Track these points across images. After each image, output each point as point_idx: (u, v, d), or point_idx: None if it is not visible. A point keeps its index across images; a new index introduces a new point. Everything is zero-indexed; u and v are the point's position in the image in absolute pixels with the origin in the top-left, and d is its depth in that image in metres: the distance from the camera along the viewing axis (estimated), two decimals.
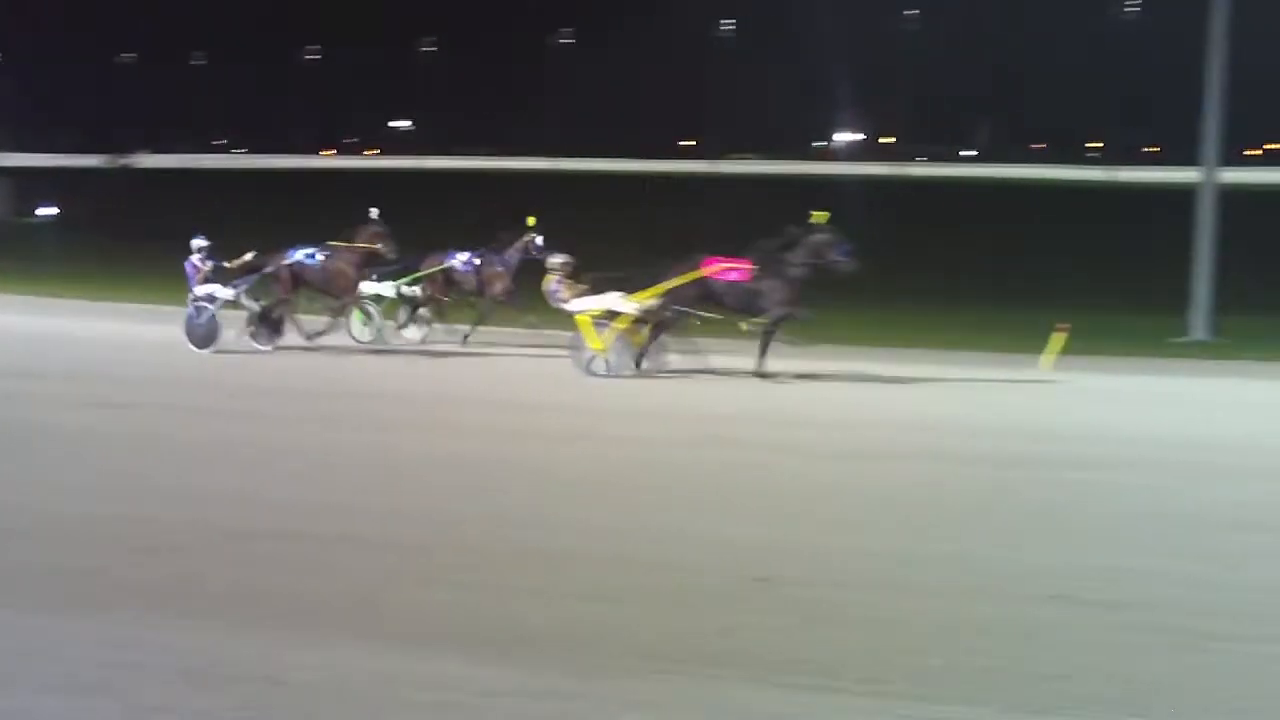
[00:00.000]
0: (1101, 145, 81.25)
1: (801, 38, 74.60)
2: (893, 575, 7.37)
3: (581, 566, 7.41)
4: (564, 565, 7.42)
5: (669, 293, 15.45)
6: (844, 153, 78.23)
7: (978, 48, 78.32)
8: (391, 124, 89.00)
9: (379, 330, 18.11)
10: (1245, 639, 6.37)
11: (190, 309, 17.31)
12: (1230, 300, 21.13)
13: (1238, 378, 16.84)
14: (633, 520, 8.53)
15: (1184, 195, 22.19)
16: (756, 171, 66.39)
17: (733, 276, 15.32)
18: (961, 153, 77.69)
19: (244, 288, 17.38)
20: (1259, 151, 70.66)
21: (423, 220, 23.21)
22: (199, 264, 17.30)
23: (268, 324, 17.48)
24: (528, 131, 74.58)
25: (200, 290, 17.22)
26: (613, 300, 15.58)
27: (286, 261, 17.42)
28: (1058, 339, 17.16)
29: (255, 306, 17.45)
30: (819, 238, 15.17)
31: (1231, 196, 22.93)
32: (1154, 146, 70.88)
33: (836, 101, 75.70)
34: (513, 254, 18.20)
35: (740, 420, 12.76)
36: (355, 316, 18.20)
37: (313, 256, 17.52)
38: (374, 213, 17.62)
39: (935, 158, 72.68)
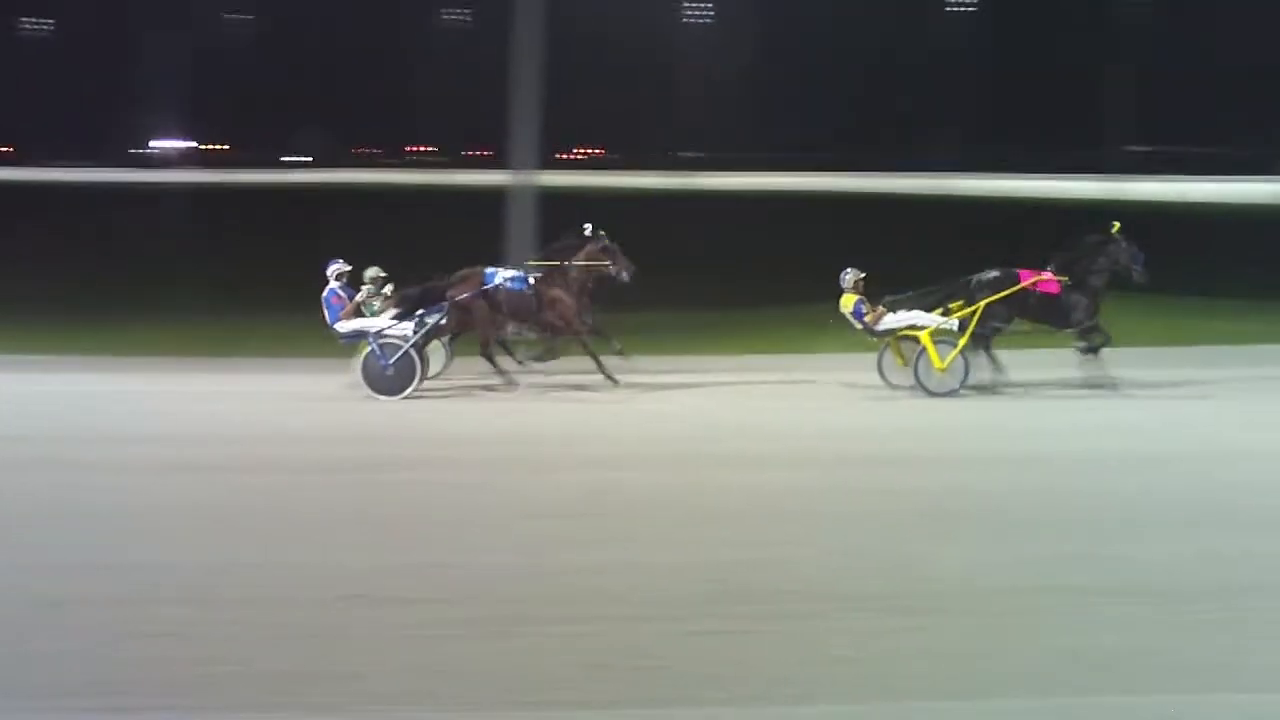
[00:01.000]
0: (436, 149, 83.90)
1: (121, 41, 70.61)
2: (199, 586, 7.63)
3: None
4: None
5: (989, 307, 14.72)
6: (168, 159, 74.93)
7: (308, 54, 77.98)
8: None
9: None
10: (549, 621, 7.05)
11: (374, 347, 14.17)
12: None
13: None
14: None
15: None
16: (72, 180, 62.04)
17: (1051, 289, 14.89)
18: (290, 159, 76.93)
19: (437, 319, 14.60)
20: (573, 156, 76.29)
21: None
22: (341, 292, 14.66)
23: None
24: None
25: (354, 325, 14.51)
26: (924, 318, 14.65)
27: (486, 287, 14.67)
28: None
29: (421, 343, 14.57)
30: (1118, 247, 15.04)
31: (548, 199, 23.44)
32: (488, 150, 73.99)
33: (159, 107, 72.47)
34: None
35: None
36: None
37: (520, 280, 14.82)
38: (589, 228, 15.15)
39: (262, 164, 71.33)
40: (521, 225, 21.43)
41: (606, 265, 15.05)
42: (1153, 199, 52.17)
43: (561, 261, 15.15)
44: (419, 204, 51.98)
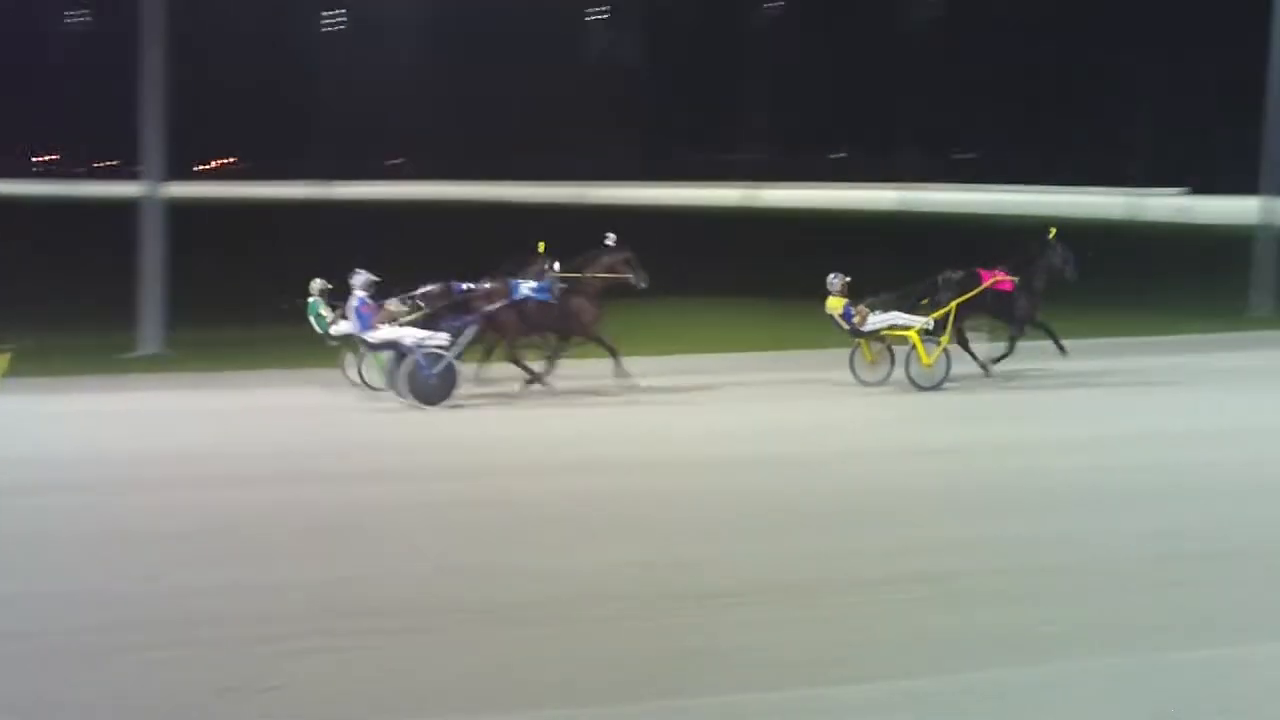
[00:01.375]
0: (55, 158, 79.12)
1: None
2: None
3: None
4: None
5: (960, 306, 16.00)
6: None
7: None
8: None
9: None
10: (154, 646, 6.92)
11: (418, 358, 14.46)
12: (183, 314, 21.01)
13: (189, 390, 16.88)
14: None
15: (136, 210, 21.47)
16: None
17: (1006, 288, 16.35)
18: None
19: (471, 330, 15.13)
20: (209, 166, 73.57)
21: None
22: (369, 301, 14.76)
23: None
24: None
25: (385, 335, 14.72)
26: (901, 318, 15.84)
27: (516, 298, 15.21)
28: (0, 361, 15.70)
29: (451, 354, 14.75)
30: (1055, 252, 16.76)
31: (182, 210, 22.77)
32: (114, 161, 70.52)
33: None
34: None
35: None
36: (373, 360, 15.38)
37: (545, 291, 15.18)
38: (611, 238, 15.90)
39: None
40: (152, 238, 20.74)
41: (628, 276, 15.88)
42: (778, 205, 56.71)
43: (583, 272, 15.69)
44: (41, 218, 48.53)
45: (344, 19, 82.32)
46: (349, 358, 16.11)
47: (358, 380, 15.90)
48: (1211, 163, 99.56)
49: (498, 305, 15.41)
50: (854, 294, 16.13)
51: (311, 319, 16.28)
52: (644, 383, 16.00)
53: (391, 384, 14.94)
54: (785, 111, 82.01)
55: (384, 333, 14.88)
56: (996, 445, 12.68)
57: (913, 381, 15.78)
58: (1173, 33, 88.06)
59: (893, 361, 16.21)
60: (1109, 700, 6.35)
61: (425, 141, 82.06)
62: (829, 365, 16.86)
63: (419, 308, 15.30)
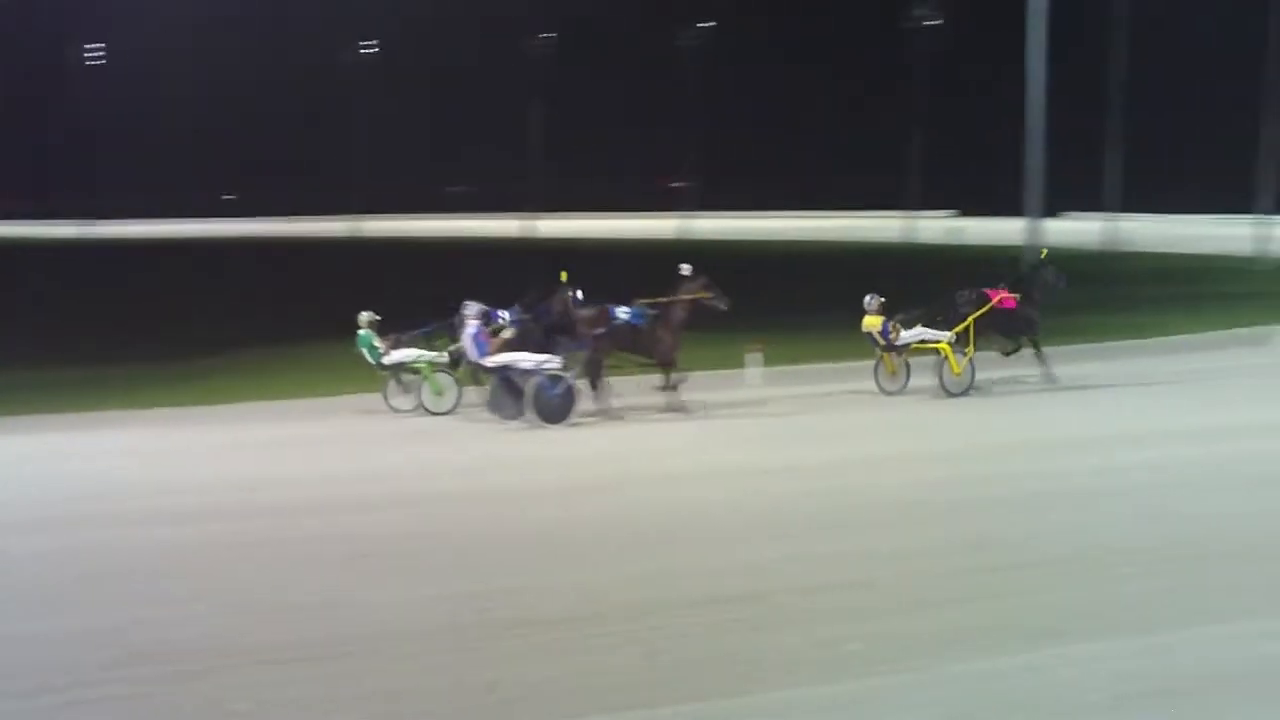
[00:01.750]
0: None
1: None
2: None
3: None
4: None
5: (976, 321, 17.66)
6: None
7: None
8: None
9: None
10: None
11: (541, 380, 15.30)
12: None
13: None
14: None
15: None
16: None
17: (1010, 305, 17.97)
18: None
19: (587, 352, 16.27)
20: None
21: None
22: (484, 328, 15.85)
23: (513, 393, 15.55)
24: None
25: (501, 359, 15.66)
26: (929, 333, 17.54)
27: (616, 322, 16.26)
28: None
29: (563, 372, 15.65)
30: (1049, 270, 18.81)
31: None
32: None
33: None
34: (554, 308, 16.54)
35: None
36: (430, 385, 16.72)
37: (640, 316, 16.43)
38: (686, 268, 16.82)
39: None
40: None
41: (712, 298, 16.89)
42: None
43: (668, 299, 16.81)
44: None
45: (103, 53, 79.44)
46: (392, 385, 17.02)
47: (407, 407, 16.89)
48: (981, 185, 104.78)
49: (602, 329, 16.33)
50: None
51: (364, 350, 16.99)
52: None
53: (493, 407, 15.99)
54: (561, 143, 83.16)
55: (501, 358, 15.69)
56: (823, 464, 13.00)
57: (944, 388, 17.38)
58: (947, 61, 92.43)
59: (908, 374, 17.85)
60: (897, 715, 6.55)
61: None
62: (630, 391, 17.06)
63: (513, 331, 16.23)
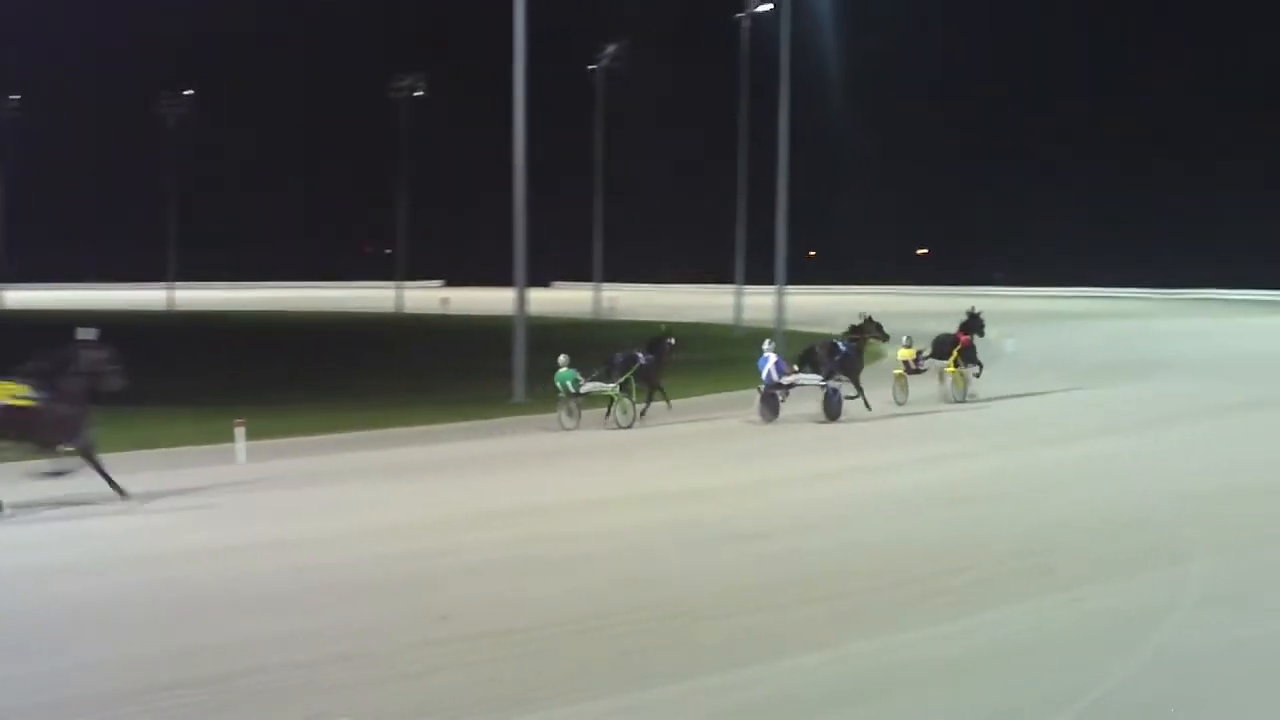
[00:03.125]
0: None
1: None
2: None
3: None
4: None
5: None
6: None
7: None
8: None
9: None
10: None
11: (829, 391, 22.14)
12: None
13: None
14: None
15: None
16: None
17: (968, 343, 25.67)
18: None
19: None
20: None
21: None
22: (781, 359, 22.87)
23: (771, 404, 22.25)
24: None
25: (790, 379, 22.46)
26: (937, 361, 25.46)
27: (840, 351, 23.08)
28: None
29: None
30: (978, 318, 26.07)
31: None
32: None
33: None
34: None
35: None
36: (620, 406, 22.36)
37: (847, 345, 23.28)
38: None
39: None
40: None
41: (879, 334, 24.55)
42: None
43: (860, 334, 23.80)
44: None
45: None
46: (569, 407, 22.06)
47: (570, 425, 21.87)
48: (464, 255, 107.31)
49: (839, 355, 22.92)
50: None
51: (566, 383, 22.19)
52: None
53: (764, 412, 22.25)
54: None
55: (792, 378, 22.43)
56: (292, 541, 12.62)
57: (953, 399, 24.59)
58: (437, 132, 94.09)
59: (906, 391, 24.51)
60: None
61: None
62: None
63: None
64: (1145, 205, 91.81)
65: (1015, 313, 46.61)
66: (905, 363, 24.95)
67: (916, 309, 50.73)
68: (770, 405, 22.20)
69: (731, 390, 27.29)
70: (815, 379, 22.49)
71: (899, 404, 23.94)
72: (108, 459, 18.14)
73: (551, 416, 22.23)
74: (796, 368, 22.82)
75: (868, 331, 24.08)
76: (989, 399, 24.62)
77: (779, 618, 9.34)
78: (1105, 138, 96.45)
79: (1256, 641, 8.67)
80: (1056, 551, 11.33)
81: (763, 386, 22.44)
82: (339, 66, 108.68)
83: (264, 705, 7.65)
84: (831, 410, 21.92)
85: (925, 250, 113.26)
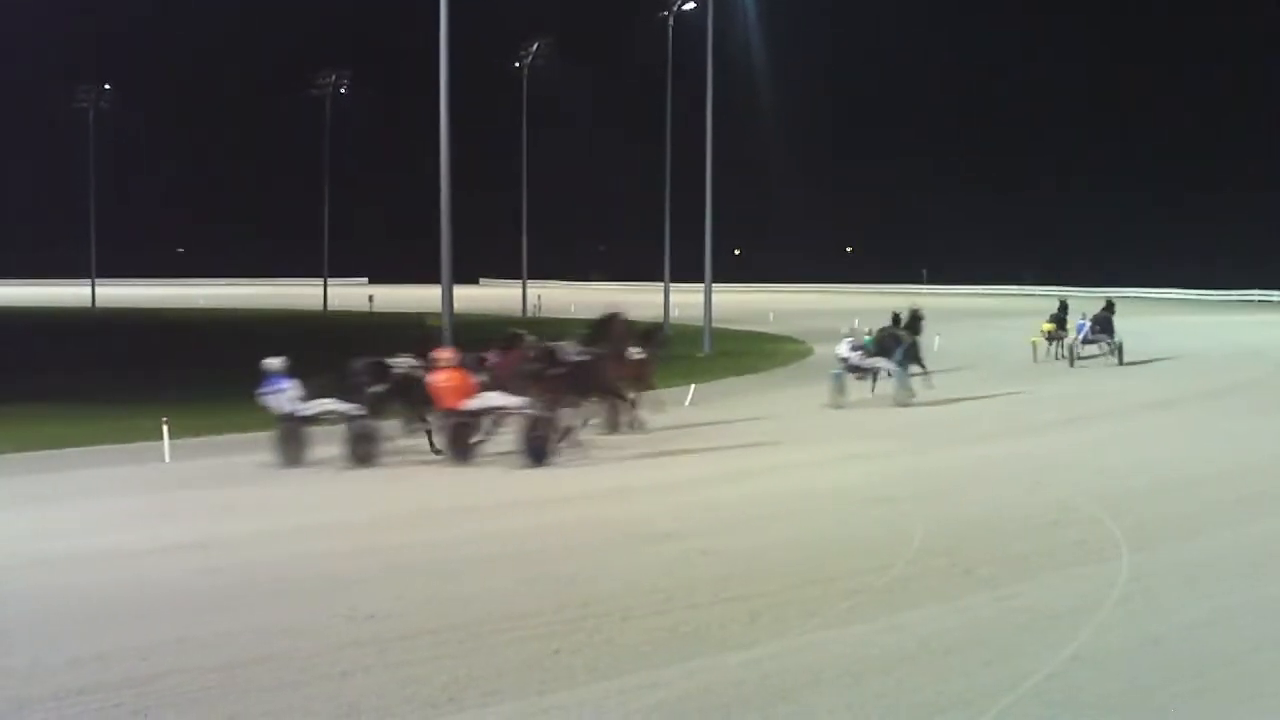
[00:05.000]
0: None
1: None
2: None
3: None
4: None
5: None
6: None
7: None
8: None
9: None
10: None
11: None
12: None
13: None
14: None
15: None
16: None
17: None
18: None
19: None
20: None
21: None
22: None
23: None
24: None
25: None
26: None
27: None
28: None
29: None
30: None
31: None
32: None
33: None
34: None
35: None
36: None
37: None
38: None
39: None
40: None
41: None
42: None
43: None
44: None
45: None
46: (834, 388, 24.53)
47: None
48: (389, 253, 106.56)
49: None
50: None
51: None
52: None
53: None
54: None
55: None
56: (228, 540, 12.42)
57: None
58: (362, 131, 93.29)
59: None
60: None
61: None
62: None
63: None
64: (1078, 206, 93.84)
65: (941, 310, 47.10)
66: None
67: (845, 306, 51.12)
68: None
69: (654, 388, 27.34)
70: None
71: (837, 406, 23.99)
72: (22, 458, 17.89)
73: None
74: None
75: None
76: (914, 399, 24.91)
77: (698, 617, 9.32)
78: (1041, 138, 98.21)
79: (1177, 636, 8.83)
80: (977, 549, 11.46)
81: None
82: (264, 62, 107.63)
83: (181, 709, 7.50)
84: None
85: (851, 249, 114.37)
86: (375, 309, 69.69)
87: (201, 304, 77.13)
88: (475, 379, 17.74)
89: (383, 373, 17.91)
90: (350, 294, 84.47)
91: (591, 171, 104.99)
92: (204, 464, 17.63)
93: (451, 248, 29.05)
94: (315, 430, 17.72)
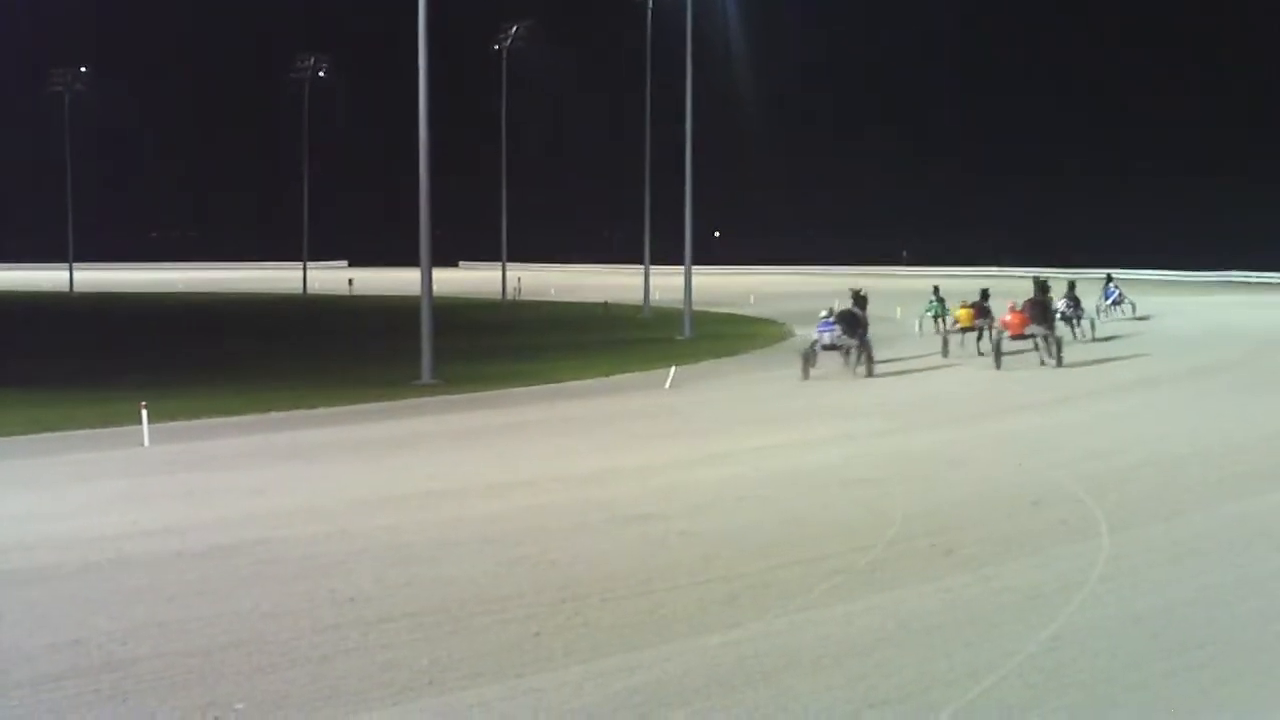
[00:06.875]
0: None
1: None
2: None
3: None
4: None
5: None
6: None
7: None
8: None
9: None
10: None
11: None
12: None
13: None
14: None
15: None
16: None
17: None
18: None
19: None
20: None
21: None
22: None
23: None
24: None
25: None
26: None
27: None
28: None
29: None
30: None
31: None
32: None
33: None
34: None
35: None
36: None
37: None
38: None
39: None
40: None
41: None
42: None
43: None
44: None
45: None
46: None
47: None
48: (369, 236, 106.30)
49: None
50: None
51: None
52: None
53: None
54: None
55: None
56: (200, 524, 12.32)
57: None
58: (343, 115, 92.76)
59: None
60: None
61: None
62: None
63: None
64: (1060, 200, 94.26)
65: (917, 291, 47.18)
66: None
67: (826, 289, 51.09)
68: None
69: (633, 371, 27.34)
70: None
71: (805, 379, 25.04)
72: (0, 443, 17.76)
73: (463, 396, 21.58)
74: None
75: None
76: (884, 374, 25.04)
77: (678, 599, 9.30)
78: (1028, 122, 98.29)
79: (1159, 615, 8.84)
80: (958, 529, 11.47)
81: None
82: (243, 45, 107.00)
83: (159, 693, 7.44)
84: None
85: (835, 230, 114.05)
86: (355, 292, 69.51)
87: (180, 288, 76.65)
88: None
89: (856, 320, 26.42)
90: (330, 277, 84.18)
91: (572, 154, 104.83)
92: (183, 448, 17.55)
93: (430, 230, 28.90)
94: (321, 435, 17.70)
